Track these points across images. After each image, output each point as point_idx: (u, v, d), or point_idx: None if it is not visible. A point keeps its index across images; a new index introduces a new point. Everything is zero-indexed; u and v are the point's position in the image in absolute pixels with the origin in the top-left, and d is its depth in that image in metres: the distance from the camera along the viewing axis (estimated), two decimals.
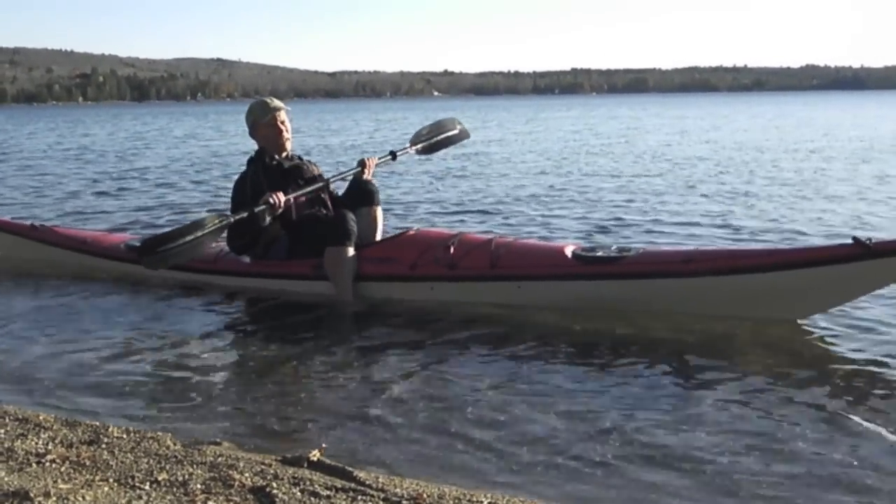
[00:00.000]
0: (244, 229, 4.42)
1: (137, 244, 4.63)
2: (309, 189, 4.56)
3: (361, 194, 4.75)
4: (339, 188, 5.00)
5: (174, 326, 4.13)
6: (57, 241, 5.43)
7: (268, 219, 4.37)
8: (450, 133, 5.30)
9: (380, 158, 4.96)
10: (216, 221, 4.33)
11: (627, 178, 11.11)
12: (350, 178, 4.90)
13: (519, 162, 14.20)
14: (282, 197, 4.39)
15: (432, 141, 5.22)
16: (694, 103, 72.09)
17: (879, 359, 3.49)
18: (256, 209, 4.32)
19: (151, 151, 19.21)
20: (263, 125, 4.64)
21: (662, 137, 21.16)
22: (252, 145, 4.81)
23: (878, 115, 35.53)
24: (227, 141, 23.20)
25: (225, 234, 4.54)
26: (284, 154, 4.71)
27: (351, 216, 4.49)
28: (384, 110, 66.56)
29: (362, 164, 4.84)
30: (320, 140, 23.16)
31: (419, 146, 5.19)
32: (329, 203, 4.75)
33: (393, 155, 5.02)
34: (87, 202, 9.46)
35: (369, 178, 4.83)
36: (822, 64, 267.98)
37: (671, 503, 2.29)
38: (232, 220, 4.34)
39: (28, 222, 5.86)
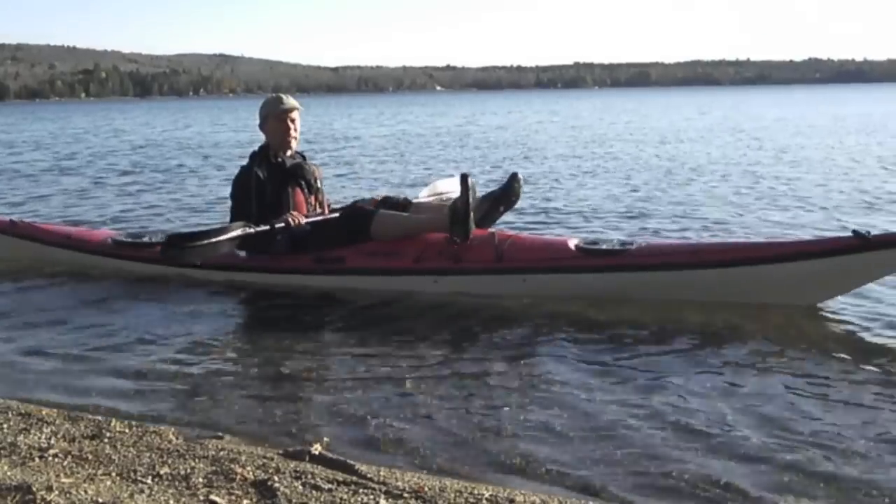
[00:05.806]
0: (257, 240, 4.47)
1: (163, 239, 4.60)
2: (323, 217, 4.61)
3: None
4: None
5: (172, 321, 4.12)
6: (40, 236, 5.28)
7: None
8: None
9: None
10: (239, 231, 4.37)
11: None
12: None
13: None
14: (302, 219, 4.46)
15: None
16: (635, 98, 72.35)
17: None
18: (277, 225, 4.39)
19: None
20: (274, 119, 4.73)
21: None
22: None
23: (814, 109, 35.48)
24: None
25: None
26: (289, 152, 4.77)
27: None
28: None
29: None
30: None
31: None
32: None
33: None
34: None
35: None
36: (825, 57, 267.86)
37: (677, 492, 2.30)
38: (253, 230, 4.38)
39: (7, 218, 5.64)
